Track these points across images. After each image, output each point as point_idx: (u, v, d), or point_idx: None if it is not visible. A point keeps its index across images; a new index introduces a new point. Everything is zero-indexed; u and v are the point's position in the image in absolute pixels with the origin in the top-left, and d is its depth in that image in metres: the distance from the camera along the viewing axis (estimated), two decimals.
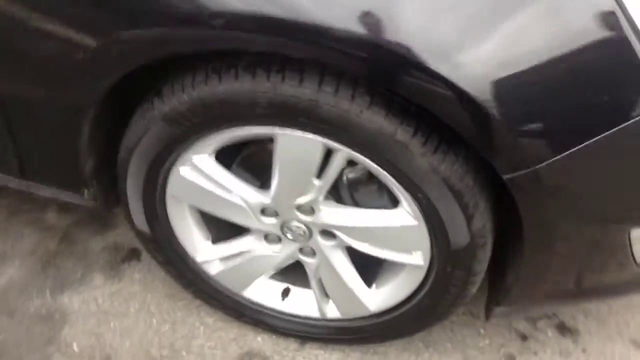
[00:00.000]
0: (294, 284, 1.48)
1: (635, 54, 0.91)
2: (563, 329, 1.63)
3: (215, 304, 1.52)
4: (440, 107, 0.96)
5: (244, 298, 1.48)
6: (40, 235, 1.70)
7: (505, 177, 1.02)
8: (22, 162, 1.34)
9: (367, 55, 0.93)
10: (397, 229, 1.21)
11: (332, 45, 0.92)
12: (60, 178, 1.36)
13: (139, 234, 1.40)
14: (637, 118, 0.95)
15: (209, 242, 1.41)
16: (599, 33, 0.91)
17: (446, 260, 1.21)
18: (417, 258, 1.25)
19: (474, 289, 1.28)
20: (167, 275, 1.52)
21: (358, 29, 0.90)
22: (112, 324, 1.53)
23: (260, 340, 1.53)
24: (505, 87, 0.93)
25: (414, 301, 1.34)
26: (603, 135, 0.96)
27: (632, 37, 0.90)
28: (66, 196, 1.40)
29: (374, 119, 1.03)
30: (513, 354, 1.56)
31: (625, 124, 0.95)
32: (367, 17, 0.90)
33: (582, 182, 1.03)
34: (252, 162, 1.31)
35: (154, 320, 1.54)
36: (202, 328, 1.54)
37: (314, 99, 1.03)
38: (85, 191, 1.36)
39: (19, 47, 1.09)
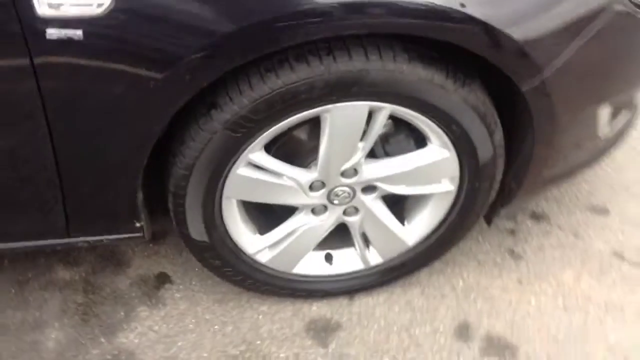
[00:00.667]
0: (332, 248, 1.64)
1: None
2: (536, 216, 1.97)
3: (269, 290, 1.63)
4: (482, 46, 1.19)
5: (295, 275, 1.61)
6: (63, 294, 1.68)
7: (524, 89, 1.28)
8: (69, 217, 1.35)
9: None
10: (431, 164, 1.42)
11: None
12: (112, 220, 1.39)
13: (195, 246, 1.48)
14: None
15: (257, 234, 1.53)
16: None
17: (475, 177, 1.46)
18: (447, 185, 1.48)
19: (493, 196, 1.54)
20: (220, 280, 1.62)
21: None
22: (179, 343, 1.58)
23: (316, 308, 1.68)
24: (520, 20, 1.19)
25: (446, 223, 1.57)
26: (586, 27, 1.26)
27: None
28: (112, 237, 1.44)
29: (415, 72, 1.24)
30: (511, 247, 1.87)
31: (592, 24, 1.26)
32: None
33: (572, 77, 1.32)
34: (283, 150, 1.44)
35: (216, 326, 1.62)
36: (261, 317, 1.65)
37: (365, 68, 1.21)
38: (137, 225, 1.41)
39: (88, 94, 1.13)
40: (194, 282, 1.72)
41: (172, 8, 1.06)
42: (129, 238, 1.44)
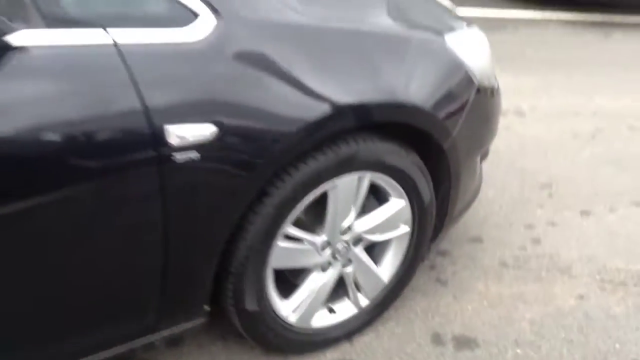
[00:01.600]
0: (331, 303, 2.11)
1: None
2: (441, 253, 2.66)
3: (297, 347, 2.03)
4: (420, 123, 1.88)
5: (313, 329, 2.04)
6: None
7: (444, 146, 1.98)
8: (161, 311, 1.66)
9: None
10: (395, 213, 2.03)
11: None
12: (190, 306, 1.72)
13: (248, 316, 1.85)
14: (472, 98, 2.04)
15: (284, 299, 1.96)
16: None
17: (421, 216, 2.09)
18: (404, 227, 2.09)
19: (431, 233, 2.19)
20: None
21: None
22: None
23: (329, 355, 2.11)
24: (432, 104, 1.91)
25: (407, 257, 2.16)
26: (467, 105, 2.03)
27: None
28: (186, 325, 1.76)
29: (385, 147, 1.87)
30: (437, 276, 2.52)
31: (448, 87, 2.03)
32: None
33: (465, 135, 2.06)
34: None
35: None
36: None
37: (357, 149, 1.81)
38: (205, 309, 1.76)
39: (200, 196, 1.55)
40: None
41: (257, 129, 1.57)
42: (195, 325, 1.78)
